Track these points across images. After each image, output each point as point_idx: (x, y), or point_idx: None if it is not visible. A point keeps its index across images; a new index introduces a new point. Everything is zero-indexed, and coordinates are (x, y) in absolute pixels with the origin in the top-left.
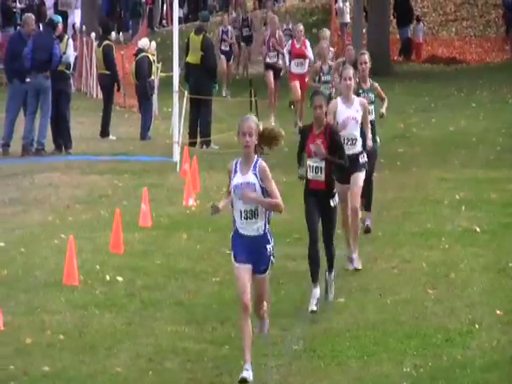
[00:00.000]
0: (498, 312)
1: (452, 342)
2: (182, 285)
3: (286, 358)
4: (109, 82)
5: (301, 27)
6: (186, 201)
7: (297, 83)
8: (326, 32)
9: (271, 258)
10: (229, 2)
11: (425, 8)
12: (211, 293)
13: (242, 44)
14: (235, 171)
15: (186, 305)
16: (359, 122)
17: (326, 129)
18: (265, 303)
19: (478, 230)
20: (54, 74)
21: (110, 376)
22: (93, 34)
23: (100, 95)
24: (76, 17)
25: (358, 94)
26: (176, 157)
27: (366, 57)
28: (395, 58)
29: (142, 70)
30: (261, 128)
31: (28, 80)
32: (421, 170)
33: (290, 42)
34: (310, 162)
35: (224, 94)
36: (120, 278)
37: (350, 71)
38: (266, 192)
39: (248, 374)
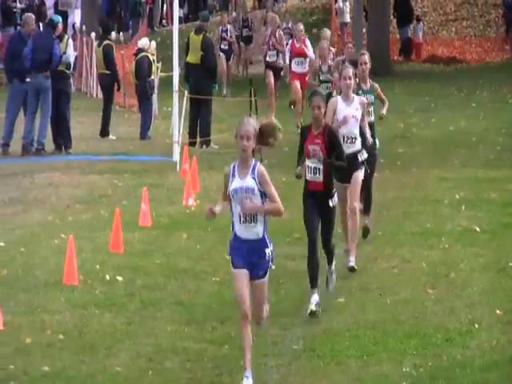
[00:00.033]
0: (498, 312)
1: (452, 342)
2: (181, 284)
3: (285, 357)
4: (109, 82)
5: (301, 27)
6: (186, 200)
7: (297, 83)
8: (327, 32)
9: (270, 263)
10: (228, 2)
11: (425, 8)
12: (211, 292)
13: (242, 44)
14: (233, 175)
15: (185, 304)
16: (359, 120)
17: (325, 129)
18: (264, 310)
19: (477, 229)
20: (54, 73)
21: (110, 376)
22: (93, 34)
23: (100, 95)
24: (76, 17)
25: (357, 95)
26: (176, 156)
27: (366, 57)
28: (395, 57)
29: (142, 69)
30: (257, 129)
31: (28, 80)
32: (421, 170)
33: (291, 41)
34: (308, 163)
35: (225, 93)
36: (120, 278)
37: (350, 70)
38: (264, 195)
39: (248, 382)
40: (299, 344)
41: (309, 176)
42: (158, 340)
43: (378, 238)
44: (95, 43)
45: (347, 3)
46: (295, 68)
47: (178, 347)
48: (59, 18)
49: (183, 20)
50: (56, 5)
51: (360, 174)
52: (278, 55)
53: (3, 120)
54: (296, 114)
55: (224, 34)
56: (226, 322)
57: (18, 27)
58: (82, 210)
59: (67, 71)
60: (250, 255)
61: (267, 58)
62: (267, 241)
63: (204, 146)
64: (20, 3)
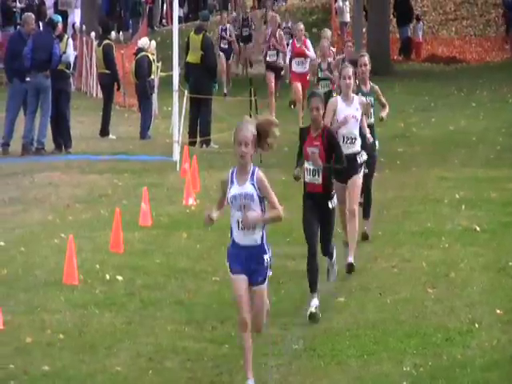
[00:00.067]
0: (498, 311)
1: (452, 342)
2: (181, 284)
3: (286, 357)
4: (109, 82)
5: (301, 26)
6: (186, 200)
7: (298, 85)
8: (328, 32)
9: (268, 269)
10: (228, 1)
11: (425, 7)
12: (211, 292)
13: (241, 44)
14: (231, 182)
15: (185, 304)
16: (359, 120)
17: (324, 131)
18: (264, 318)
19: (477, 229)
20: (54, 73)
21: (110, 375)
22: (93, 34)
23: (100, 94)
24: (76, 16)
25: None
26: (176, 156)
27: (366, 59)
28: (395, 57)
29: (142, 69)
30: (255, 134)
31: (28, 79)
32: (421, 170)
33: (291, 41)
34: (307, 165)
35: (225, 91)
36: (120, 278)
37: (350, 70)
38: (263, 200)
39: None
40: (299, 344)
41: (308, 178)
42: (158, 339)
43: (377, 238)
44: (95, 43)
45: (347, 2)
46: (296, 68)
47: (178, 347)
48: (59, 18)
49: (183, 19)
50: (56, 4)
51: (359, 177)
52: (278, 55)
53: (3, 119)
54: (296, 114)
55: (223, 33)
56: (226, 322)
57: (18, 27)
58: (82, 210)
59: (67, 71)
60: (248, 261)
61: (267, 58)
62: (266, 247)
63: (204, 146)
64: (20, 3)
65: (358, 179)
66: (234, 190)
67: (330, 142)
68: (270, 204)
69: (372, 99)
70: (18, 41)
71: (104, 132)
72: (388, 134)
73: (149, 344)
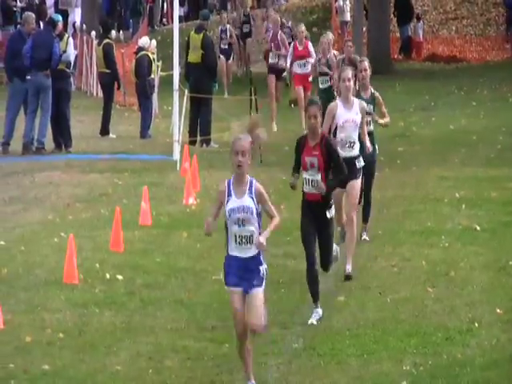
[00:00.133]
0: (498, 310)
1: (452, 341)
2: (181, 283)
3: (285, 356)
4: (109, 81)
5: (303, 28)
6: (186, 199)
7: (301, 89)
8: (329, 35)
9: (264, 280)
10: (227, 1)
11: (425, 6)
12: (211, 291)
13: (242, 44)
14: (229, 194)
15: (185, 303)
16: (358, 124)
17: (322, 140)
18: (262, 318)
19: (478, 228)
20: (55, 72)
21: (110, 374)
22: (93, 33)
23: (100, 94)
24: (76, 15)
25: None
26: (176, 155)
27: (366, 64)
28: (395, 56)
29: (142, 68)
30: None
31: (28, 78)
32: (421, 169)
33: (293, 44)
34: (305, 176)
35: (226, 91)
36: (120, 277)
37: (349, 72)
38: (260, 216)
39: None
40: (299, 343)
41: (307, 188)
42: (157, 339)
43: (378, 237)
44: (95, 42)
45: (347, 2)
46: (297, 69)
47: (177, 346)
48: (59, 17)
49: (183, 19)
50: (56, 3)
51: (356, 183)
52: (278, 56)
53: (3, 119)
54: (297, 114)
55: (223, 34)
56: (226, 321)
57: (18, 26)
58: (83, 209)
59: (67, 70)
60: (242, 272)
61: (270, 60)
62: (261, 259)
63: (204, 145)
64: (20, 2)
65: (357, 184)
66: (231, 203)
67: (329, 151)
68: (269, 214)
69: (372, 106)
70: (18, 40)
71: (104, 131)
72: (388, 133)
73: (149, 343)
